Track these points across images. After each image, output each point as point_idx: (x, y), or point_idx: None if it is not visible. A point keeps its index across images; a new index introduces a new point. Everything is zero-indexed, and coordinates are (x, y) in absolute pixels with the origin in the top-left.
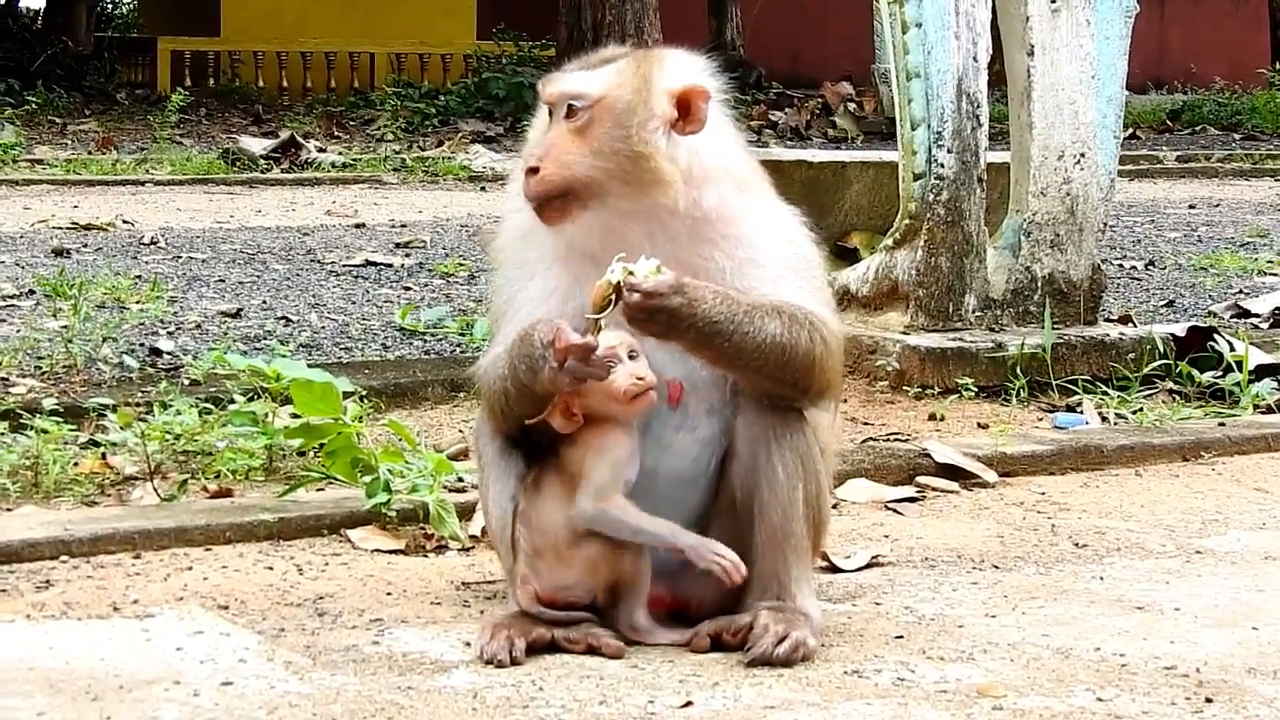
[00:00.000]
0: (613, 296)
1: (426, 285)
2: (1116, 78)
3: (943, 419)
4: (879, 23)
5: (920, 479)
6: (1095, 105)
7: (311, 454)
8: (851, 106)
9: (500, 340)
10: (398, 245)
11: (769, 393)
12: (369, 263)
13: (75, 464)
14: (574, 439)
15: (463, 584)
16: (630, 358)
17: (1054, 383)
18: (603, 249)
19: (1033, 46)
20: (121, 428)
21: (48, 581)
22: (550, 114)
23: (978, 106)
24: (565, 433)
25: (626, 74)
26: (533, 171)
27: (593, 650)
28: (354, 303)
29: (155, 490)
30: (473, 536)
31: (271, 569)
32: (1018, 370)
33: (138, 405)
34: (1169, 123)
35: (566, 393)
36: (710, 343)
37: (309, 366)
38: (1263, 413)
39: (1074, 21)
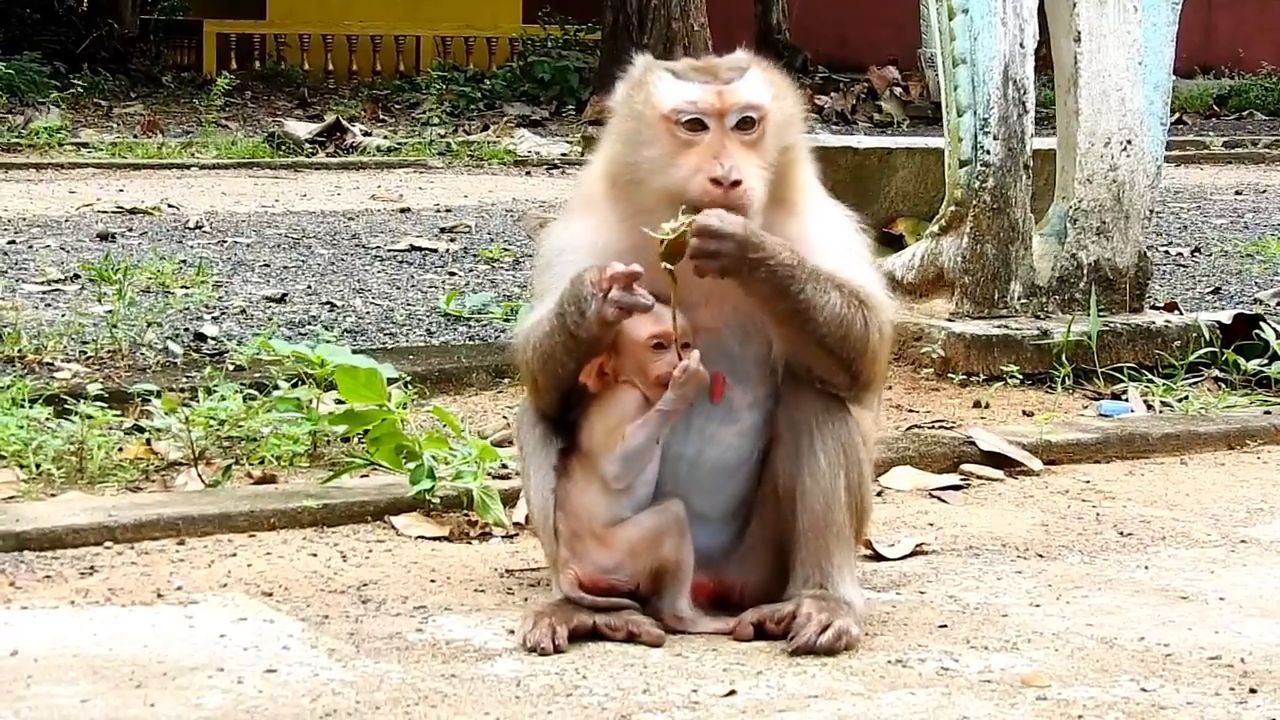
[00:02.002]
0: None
1: (471, 270)
2: (1164, 64)
3: (987, 406)
4: (925, 7)
5: (965, 467)
6: (1142, 92)
7: (356, 440)
8: (897, 91)
9: (542, 307)
10: (442, 230)
11: (821, 375)
12: (414, 248)
13: (119, 450)
14: (590, 417)
15: (506, 571)
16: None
17: (1099, 370)
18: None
19: (1079, 33)
20: (166, 413)
21: (92, 568)
22: (697, 123)
23: (1024, 93)
24: (595, 391)
25: (775, 84)
26: (734, 185)
27: (633, 638)
28: (399, 288)
29: (199, 476)
30: (517, 523)
31: (315, 556)
32: (1063, 358)
33: (182, 391)
34: (1215, 108)
35: (603, 349)
36: (784, 292)
37: (353, 352)
38: None
39: (1121, 7)
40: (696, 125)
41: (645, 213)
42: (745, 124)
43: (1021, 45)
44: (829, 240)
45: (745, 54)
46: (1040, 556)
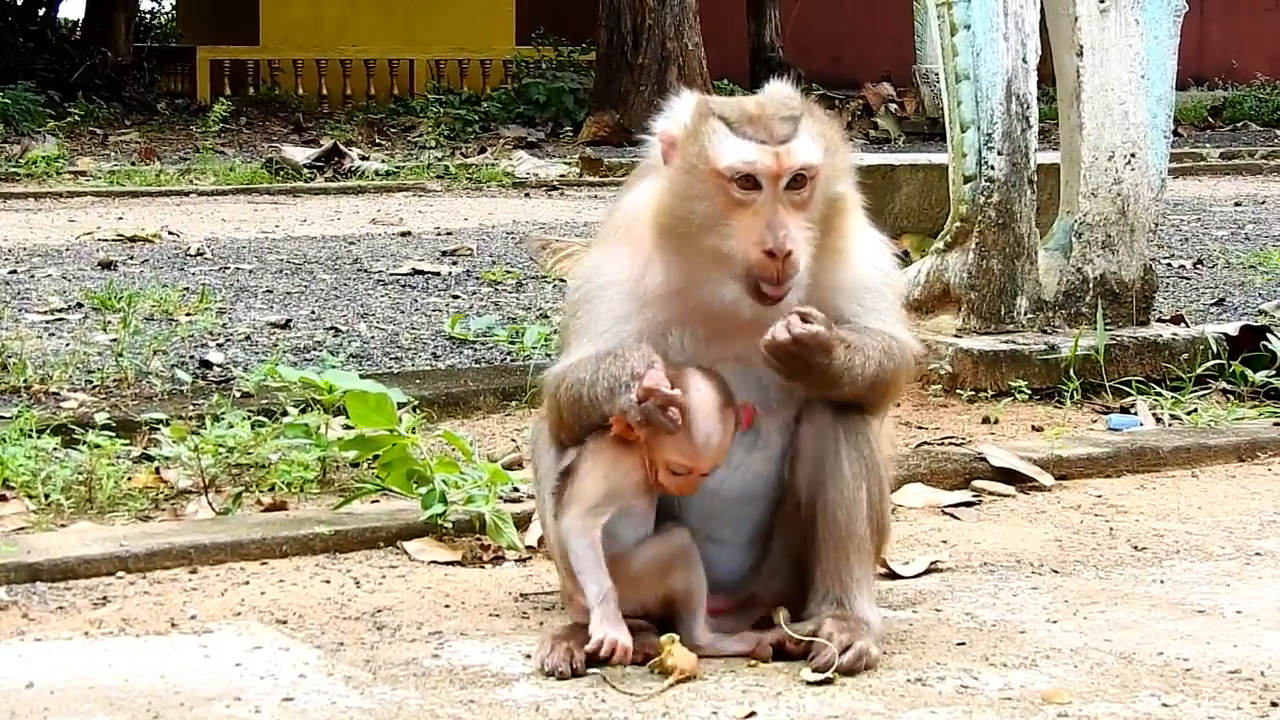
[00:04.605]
0: None
1: (474, 293)
2: (1166, 77)
3: (996, 422)
4: (919, 23)
5: (976, 483)
6: (1145, 105)
7: (365, 466)
8: (893, 107)
9: (576, 352)
10: (444, 253)
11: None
12: (416, 271)
13: (129, 479)
14: (597, 454)
15: (521, 595)
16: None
17: (1107, 384)
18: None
19: (1082, 47)
20: (175, 441)
21: (105, 598)
22: (751, 180)
23: (1027, 108)
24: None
25: (826, 135)
26: (787, 255)
27: (650, 660)
28: (402, 312)
29: (210, 504)
30: (529, 547)
31: (329, 582)
32: (1071, 372)
33: (190, 418)
34: (1210, 119)
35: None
36: (835, 387)
37: (360, 377)
38: None
39: (1123, 21)
40: (750, 183)
41: (694, 264)
42: (798, 181)
43: (1024, 60)
44: (871, 285)
45: (792, 94)
46: (1055, 572)
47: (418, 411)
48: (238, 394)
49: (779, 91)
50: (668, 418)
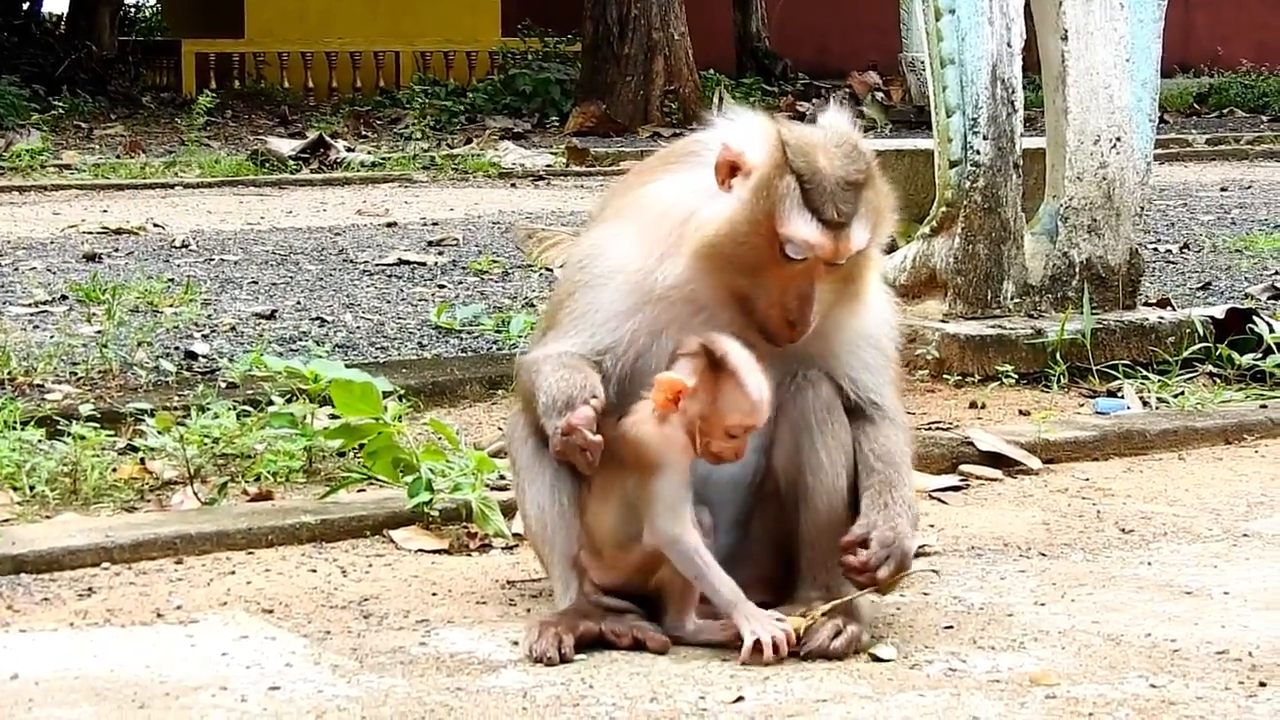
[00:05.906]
0: None
1: (460, 283)
2: (1150, 61)
3: (984, 406)
4: (905, 11)
5: (964, 467)
6: (1130, 89)
7: (351, 455)
8: (879, 96)
9: (567, 338)
10: (430, 243)
11: None
12: (402, 261)
13: (114, 470)
14: (626, 437)
15: (508, 582)
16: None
17: (1094, 368)
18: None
19: (1066, 31)
20: (160, 432)
21: (90, 589)
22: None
23: (1012, 92)
24: (660, 413)
25: (879, 206)
26: (802, 326)
27: (638, 644)
28: (388, 302)
29: (195, 494)
30: (517, 534)
31: (315, 571)
32: (1058, 356)
33: (175, 409)
34: (1196, 106)
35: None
36: None
37: (346, 367)
38: None
39: (1107, 5)
40: (802, 254)
41: (715, 282)
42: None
43: (1009, 44)
44: (875, 340)
45: (856, 141)
46: (1043, 555)
47: (404, 401)
48: (223, 384)
49: (843, 135)
50: (582, 458)
